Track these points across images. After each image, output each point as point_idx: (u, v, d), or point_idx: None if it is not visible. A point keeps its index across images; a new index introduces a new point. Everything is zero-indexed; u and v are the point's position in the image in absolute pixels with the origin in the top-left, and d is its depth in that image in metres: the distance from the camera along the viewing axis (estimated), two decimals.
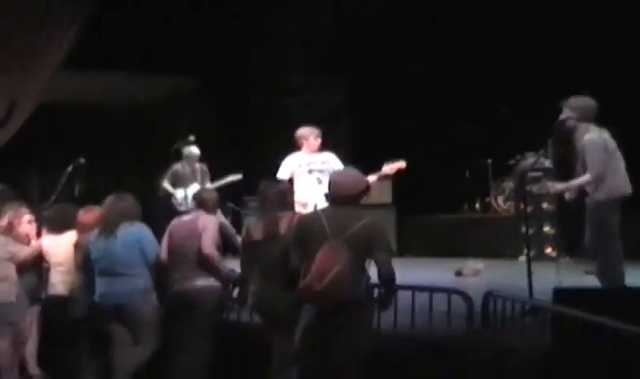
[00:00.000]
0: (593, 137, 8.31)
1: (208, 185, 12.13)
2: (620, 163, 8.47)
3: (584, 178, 8.27)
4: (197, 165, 12.52)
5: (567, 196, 8.57)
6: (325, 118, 14.11)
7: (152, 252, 7.80)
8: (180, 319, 7.70)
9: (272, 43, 16.10)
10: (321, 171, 9.70)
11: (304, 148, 9.93)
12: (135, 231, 7.79)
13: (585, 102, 8.48)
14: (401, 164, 9.61)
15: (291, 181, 9.65)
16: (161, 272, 7.86)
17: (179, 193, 12.28)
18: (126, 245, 7.72)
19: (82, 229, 8.20)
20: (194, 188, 12.24)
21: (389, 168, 9.63)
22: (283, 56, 16.43)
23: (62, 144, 15.78)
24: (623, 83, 12.82)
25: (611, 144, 8.42)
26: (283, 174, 9.84)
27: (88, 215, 8.24)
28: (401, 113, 15.04)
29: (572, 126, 8.46)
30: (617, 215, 8.39)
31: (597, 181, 8.23)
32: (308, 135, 9.94)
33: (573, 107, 8.48)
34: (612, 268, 8.26)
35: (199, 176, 12.47)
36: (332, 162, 9.86)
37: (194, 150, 12.55)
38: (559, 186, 8.60)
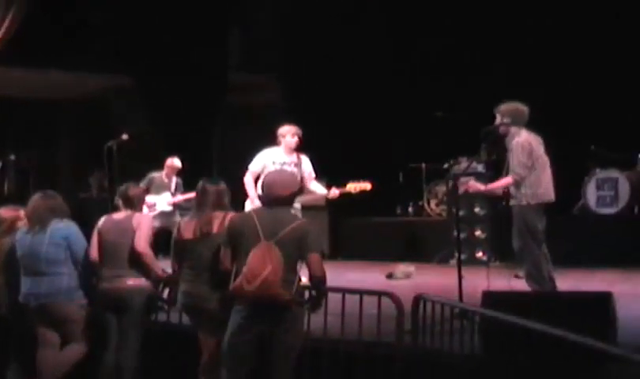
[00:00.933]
0: (519, 141, 8.46)
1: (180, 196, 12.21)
2: (546, 170, 8.62)
3: (505, 180, 8.44)
4: (175, 177, 12.53)
5: (511, 202, 8.62)
6: (261, 117, 14.13)
7: (80, 250, 7.69)
8: (109, 318, 7.61)
9: (212, 41, 16.03)
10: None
11: (282, 146, 9.91)
12: (63, 228, 7.68)
13: (517, 107, 8.63)
14: (366, 186, 9.76)
15: (260, 176, 9.60)
16: (89, 270, 7.74)
17: (149, 198, 12.17)
18: (53, 242, 7.60)
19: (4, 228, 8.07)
20: (166, 197, 12.19)
21: (354, 187, 9.76)
22: (221, 55, 16.38)
23: None
24: (558, 87, 13.06)
25: (539, 149, 8.55)
26: (255, 166, 9.82)
27: (8, 213, 8.11)
28: (336, 114, 15.07)
29: (504, 131, 8.58)
30: (542, 220, 8.51)
31: (519, 183, 8.37)
32: (286, 133, 9.92)
33: (504, 113, 8.64)
34: (538, 271, 8.40)
35: (173, 187, 12.45)
36: (304, 165, 9.91)
37: (176, 162, 12.61)
38: (481, 187, 8.73)
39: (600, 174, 13.01)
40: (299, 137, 9.94)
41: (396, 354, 6.86)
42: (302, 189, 6.74)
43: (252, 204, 9.60)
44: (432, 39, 14.24)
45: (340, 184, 9.96)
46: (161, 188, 12.50)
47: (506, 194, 8.61)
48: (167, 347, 8.18)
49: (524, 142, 8.50)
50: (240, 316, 6.32)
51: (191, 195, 12.16)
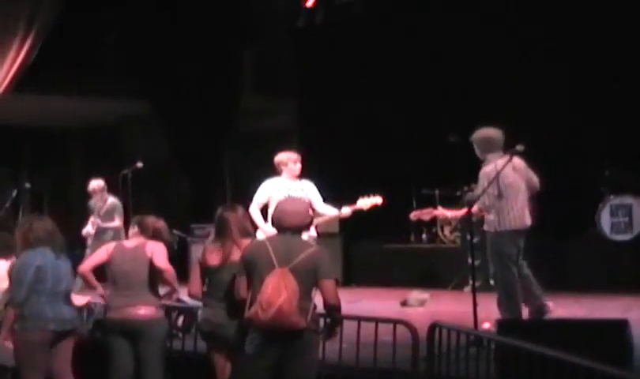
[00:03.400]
0: (485, 170, 8.55)
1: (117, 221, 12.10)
2: (518, 197, 8.68)
3: (473, 208, 8.45)
4: (108, 199, 12.43)
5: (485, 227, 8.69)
6: (275, 140, 14.16)
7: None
8: (118, 343, 7.47)
9: (225, 66, 16.09)
10: None
11: (284, 174, 9.81)
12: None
13: (486, 135, 8.75)
14: (378, 200, 9.70)
15: (266, 206, 9.58)
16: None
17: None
18: (69, 268, 7.60)
19: None
20: (92, 221, 12.12)
21: (364, 203, 9.69)
22: (235, 79, 16.44)
23: (11, 164, 15.66)
24: (573, 111, 13.09)
25: (508, 177, 8.57)
26: (260, 198, 9.71)
27: None
28: (349, 139, 15.10)
29: (481, 158, 8.68)
30: (514, 246, 8.62)
31: (485, 212, 8.50)
32: (289, 160, 9.82)
33: (475, 142, 8.76)
34: (508, 298, 8.56)
35: (103, 211, 12.37)
36: (309, 190, 9.75)
37: (92, 184, 12.50)
38: (448, 213, 8.84)
39: (614, 200, 12.98)
40: (300, 163, 9.87)
41: None
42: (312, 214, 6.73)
43: (263, 233, 9.53)
44: (446, 63, 14.26)
45: (351, 202, 9.85)
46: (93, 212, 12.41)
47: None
48: (182, 374, 8.17)
49: (490, 171, 8.55)
50: (255, 343, 6.31)
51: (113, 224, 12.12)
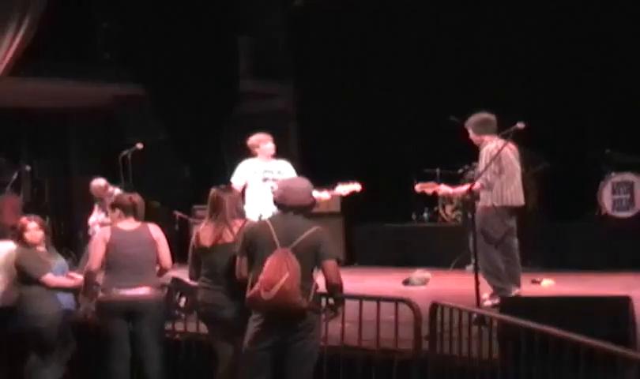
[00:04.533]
0: (489, 149, 8.81)
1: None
2: (515, 177, 9.03)
3: (475, 185, 8.59)
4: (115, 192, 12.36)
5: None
6: (272, 124, 14.13)
7: None
8: (120, 325, 7.51)
9: (222, 48, 16.04)
10: (275, 180, 9.58)
11: (259, 155, 9.83)
12: None
13: (482, 118, 9.16)
14: (356, 187, 9.73)
15: (244, 188, 9.61)
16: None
17: None
18: None
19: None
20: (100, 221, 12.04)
21: (343, 189, 9.71)
22: (232, 62, 16.39)
23: (9, 148, 15.64)
24: (573, 91, 13.06)
25: (508, 156, 8.90)
26: (237, 180, 9.74)
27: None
28: (349, 119, 15.07)
29: (477, 142, 9.09)
30: (504, 224, 8.93)
31: (485, 188, 8.61)
32: (259, 142, 9.85)
33: (472, 125, 9.14)
34: (493, 266, 8.84)
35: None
36: (287, 170, 9.79)
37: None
38: (449, 189, 8.97)
39: (616, 177, 12.96)
40: (273, 143, 9.86)
41: (413, 361, 6.85)
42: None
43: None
44: (446, 42, 14.22)
45: (330, 186, 9.85)
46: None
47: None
48: (184, 356, 8.18)
49: (492, 149, 8.82)
50: (257, 324, 6.32)
51: None
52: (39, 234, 8.11)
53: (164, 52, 15.38)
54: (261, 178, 9.66)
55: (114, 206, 7.80)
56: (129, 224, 7.65)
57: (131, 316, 7.49)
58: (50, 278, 7.96)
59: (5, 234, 8.50)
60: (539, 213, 12.77)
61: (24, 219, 8.23)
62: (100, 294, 7.53)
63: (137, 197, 7.84)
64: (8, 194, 13.42)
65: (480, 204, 8.93)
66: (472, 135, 9.17)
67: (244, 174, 9.76)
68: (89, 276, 7.57)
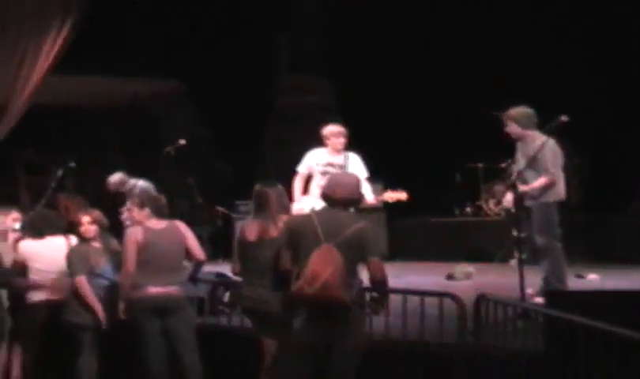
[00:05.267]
0: (550, 143, 8.55)
1: None
2: (561, 170, 8.81)
3: (542, 181, 8.51)
4: (137, 184, 12.38)
5: (527, 202, 8.70)
6: (313, 119, 14.13)
7: None
8: (153, 322, 7.52)
9: (263, 43, 16.08)
10: None
11: (329, 147, 9.78)
12: None
13: (528, 111, 8.87)
14: (402, 196, 9.64)
15: (309, 177, 9.62)
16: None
17: None
18: None
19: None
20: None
21: (389, 196, 9.66)
22: (273, 57, 16.43)
23: (52, 147, 15.75)
24: (613, 86, 12.97)
25: (560, 150, 8.75)
26: (302, 168, 9.74)
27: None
28: (392, 114, 15.05)
29: (520, 135, 8.85)
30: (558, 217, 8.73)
31: (553, 184, 8.46)
32: (330, 134, 9.74)
33: (518, 117, 8.86)
34: (560, 269, 8.56)
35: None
36: (353, 164, 9.64)
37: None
38: (525, 188, 8.73)
39: None
40: (345, 138, 9.82)
41: (458, 355, 6.84)
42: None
43: (297, 208, 9.52)
44: (490, 38, 14.16)
45: (380, 191, 9.84)
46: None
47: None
48: (229, 350, 8.22)
49: (554, 144, 8.66)
50: (302, 318, 6.32)
51: None
52: (93, 228, 8.15)
53: (204, 46, 15.43)
54: (322, 171, 9.58)
55: (142, 205, 7.84)
56: (158, 222, 7.71)
57: (164, 312, 7.53)
58: (81, 281, 7.94)
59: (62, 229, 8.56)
60: (581, 206, 12.68)
61: (80, 214, 8.31)
62: (134, 292, 7.53)
63: (163, 198, 7.93)
64: (71, 194, 13.57)
65: (541, 201, 8.71)
66: (515, 128, 8.91)
67: (308, 163, 9.73)
68: (127, 278, 7.57)
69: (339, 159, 9.67)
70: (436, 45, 14.73)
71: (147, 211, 7.73)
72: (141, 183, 12.27)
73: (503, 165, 13.72)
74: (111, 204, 11.45)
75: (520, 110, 8.92)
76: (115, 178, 12.31)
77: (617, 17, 13.12)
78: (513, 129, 8.93)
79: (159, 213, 7.74)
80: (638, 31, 12.96)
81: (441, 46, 14.70)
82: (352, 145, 9.88)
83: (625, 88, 13.14)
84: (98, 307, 7.92)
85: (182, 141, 12.12)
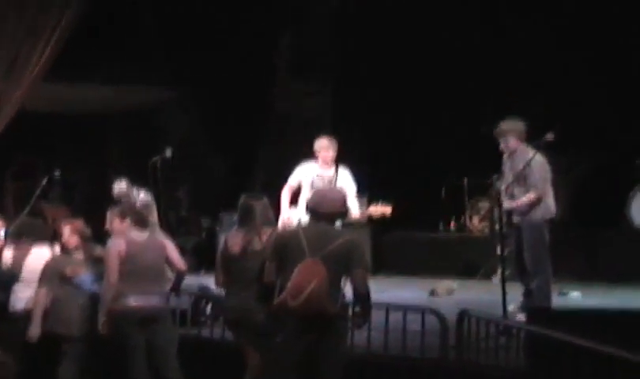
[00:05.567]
0: (539, 158, 8.52)
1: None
2: (550, 185, 8.72)
3: (530, 196, 8.46)
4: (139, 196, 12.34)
5: (515, 218, 8.70)
6: (308, 126, 14.14)
7: None
8: (136, 335, 7.51)
9: (259, 49, 16.04)
10: None
11: (319, 160, 9.77)
12: None
13: (521, 124, 8.80)
14: (387, 210, 9.65)
15: (299, 190, 9.61)
16: None
17: None
18: None
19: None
20: None
21: (374, 210, 9.67)
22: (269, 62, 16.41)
23: (43, 152, 15.71)
24: (603, 100, 13.00)
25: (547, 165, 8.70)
26: (292, 180, 9.73)
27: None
28: (382, 126, 15.04)
29: (514, 148, 8.67)
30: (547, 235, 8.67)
31: (540, 200, 8.43)
32: (320, 148, 9.71)
33: (513, 131, 8.76)
34: (548, 286, 8.49)
35: None
36: (343, 179, 9.61)
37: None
38: (513, 204, 8.71)
39: None
40: (334, 151, 9.82)
41: (440, 370, 6.84)
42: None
43: (284, 219, 9.52)
44: (478, 54, 14.18)
45: (365, 205, 9.85)
46: None
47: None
48: (211, 362, 8.20)
49: (542, 158, 8.63)
50: (285, 331, 6.32)
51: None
52: (73, 239, 8.11)
53: (202, 52, 15.37)
54: (310, 183, 9.57)
55: (124, 215, 7.83)
56: (139, 234, 7.70)
57: (146, 324, 7.51)
58: (39, 293, 7.92)
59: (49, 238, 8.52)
60: (568, 223, 12.68)
61: (62, 224, 8.29)
62: (115, 304, 7.50)
63: (147, 209, 7.94)
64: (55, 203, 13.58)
65: (527, 220, 8.66)
66: (514, 142, 8.75)
67: (298, 176, 9.73)
68: (109, 290, 7.52)
69: (329, 172, 9.68)
70: (432, 59, 14.70)
71: (127, 222, 7.73)
72: (142, 196, 12.25)
73: (488, 181, 13.74)
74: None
75: (517, 123, 8.81)
76: (119, 186, 12.24)
77: (617, 17, 13.14)
78: (512, 143, 8.75)
79: (140, 224, 7.73)
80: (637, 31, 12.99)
81: (435, 61, 14.68)
82: (344, 152, 9.85)
83: (615, 102, 13.16)
84: (37, 322, 7.86)
85: (168, 153, 12.10)
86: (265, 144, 16.38)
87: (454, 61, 14.37)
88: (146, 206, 11.81)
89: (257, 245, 6.93)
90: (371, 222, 13.45)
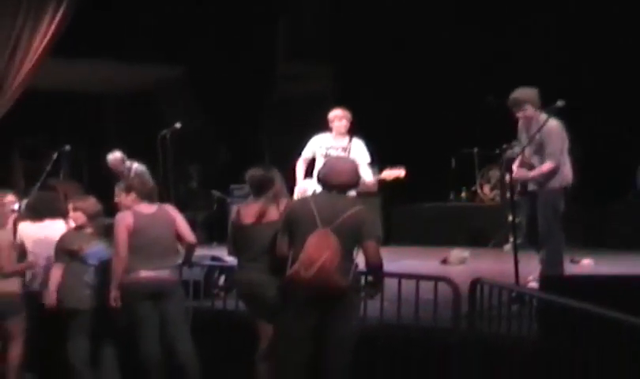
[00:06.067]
0: (554, 126, 8.43)
1: None
2: (567, 153, 8.62)
3: (547, 166, 8.40)
4: (133, 166, 12.34)
5: (530, 186, 8.65)
6: (311, 105, 14.12)
7: None
8: (147, 307, 7.52)
9: (261, 29, 16.02)
10: None
11: (333, 131, 9.76)
12: None
13: (535, 92, 8.65)
14: (400, 173, 9.64)
15: (313, 160, 9.62)
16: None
17: None
18: None
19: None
20: None
21: (388, 174, 9.66)
22: (271, 43, 16.39)
23: (48, 130, 15.72)
24: (612, 72, 12.96)
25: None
26: (305, 152, 9.75)
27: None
28: (388, 100, 15.02)
29: (532, 116, 8.57)
30: (563, 204, 8.57)
31: (557, 169, 8.36)
32: (334, 118, 9.71)
33: (529, 99, 8.61)
34: (558, 257, 8.45)
35: None
36: (356, 149, 9.63)
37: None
38: (528, 174, 8.64)
39: None
40: (348, 121, 9.79)
41: (453, 339, 6.85)
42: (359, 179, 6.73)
43: (300, 190, 9.54)
44: (484, 25, 14.13)
45: (391, 165, 9.83)
46: None
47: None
48: (224, 333, 8.22)
49: (558, 126, 8.51)
50: (297, 303, 6.33)
51: None
52: (77, 215, 8.11)
53: (203, 32, 15.38)
54: (323, 154, 9.56)
55: (129, 190, 7.82)
56: (147, 207, 7.70)
57: (157, 297, 7.53)
58: (55, 267, 7.97)
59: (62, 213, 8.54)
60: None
61: (70, 201, 8.31)
62: (126, 277, 7.50)
63: (151, 182, 7.93)
64: (65, 179, 13.59)
65: (544, 188, 8.56)
66: (531, 111, 8.60)
67: (312, 147, 9.74)
68: (120, 263, 7.53)
69: (343, 142, 9.69)
70: (434, 31, 14.67)
71: (133, 195, 7.72)
72: (136, 166, 12.27)
73: (498, 150, 13.71)
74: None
75: (532, 91, 8.67)
76: (114, 156, 12.30)
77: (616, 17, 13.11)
78: (529, 112, 8.60)
79: (147, 197, 7.74)
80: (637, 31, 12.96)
81: (439, 32, 14.65)
82: (349, 132, 9.85)
83: (621, 75, 13.14)
84: (52, 296, 7.88)
85: (178, 125, 12.10)
86: (269, 122, 16.42)
87: (462, 30, 14.35)
88: (140, 176, 11.84)
89: (274, 215, 6.86)
90: (382, 192, 13.52)
